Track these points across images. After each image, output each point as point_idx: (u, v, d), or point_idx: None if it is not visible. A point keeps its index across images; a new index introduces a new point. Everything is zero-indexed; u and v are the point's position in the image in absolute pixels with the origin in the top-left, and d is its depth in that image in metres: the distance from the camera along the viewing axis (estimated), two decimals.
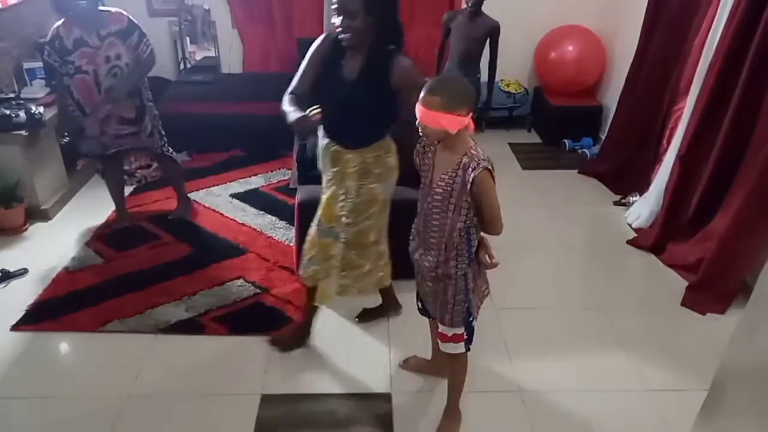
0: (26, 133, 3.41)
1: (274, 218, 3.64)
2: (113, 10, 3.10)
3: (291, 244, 3.31)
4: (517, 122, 5.23)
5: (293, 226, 3.23)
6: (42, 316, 2.77)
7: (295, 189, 3.10)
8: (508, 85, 5.10)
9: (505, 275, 3.13)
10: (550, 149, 4.90)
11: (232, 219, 3.65)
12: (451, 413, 2.23)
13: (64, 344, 2.68)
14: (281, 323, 2.76)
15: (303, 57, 4.68)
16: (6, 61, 3.89)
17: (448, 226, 1.86)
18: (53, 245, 3.36)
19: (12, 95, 3.73)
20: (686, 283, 3.08)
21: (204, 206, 3.80)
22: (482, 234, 1.93)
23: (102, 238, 3.42)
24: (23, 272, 3.08)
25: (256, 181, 4.13)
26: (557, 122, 4.92)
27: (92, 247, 3.33)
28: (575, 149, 4.79)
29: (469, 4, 3.67)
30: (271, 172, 4.25)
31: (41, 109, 3.55)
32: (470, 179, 1.74)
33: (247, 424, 2.24)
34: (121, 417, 2.26)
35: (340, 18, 2.04)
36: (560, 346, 2.71)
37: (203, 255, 3.27)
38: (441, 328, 2.06)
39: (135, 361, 2.54)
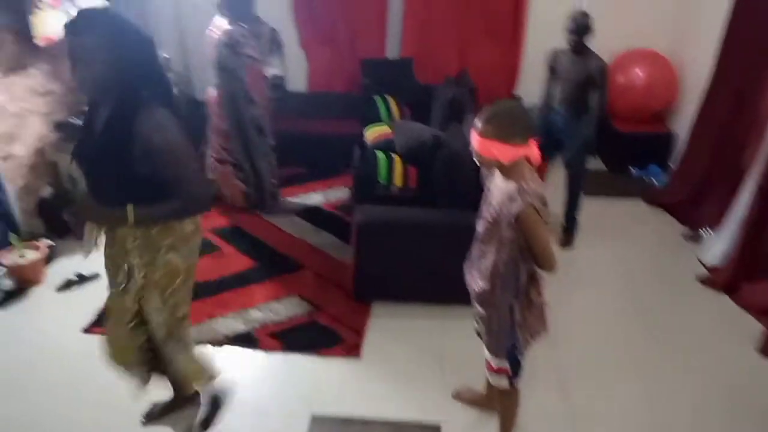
0: None
1: (331, 236, 3.70)
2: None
3: (347, 262, 3.34)
4: None
5: (350, 244, 3.27)
6: None
7: (353, 208, 3.14)
8: None
9: (561, 307, 3.07)
10: (615, 176, 4.74)
11: (291, 235, 3.73)
12: None
13: None
14: (333, 342, 2.79)
15: (366, 77, 4.79)
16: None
17: (495, 255, 1.84)
18: None
19: None
20: (763, 329, 2.88)
21: (265, 221, 3.90)
22: (537, 269, 1.88)
23: None
24: (97, 276, 3.26)
25: (316, 198, 4.21)
26: (623, 148, 4.76)
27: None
28: (642, 177, 4.62)
29: (570, 42, 3.31)
30: (331, 189, 4.32)
31: None
32: (512, 213, 1.71)
33: None
34: None
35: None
36: (620, 387, 2.59)
37: (262, 269, 3.36)
38: (486, 355, 2.03)
39: None
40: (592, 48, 3.37)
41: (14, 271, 3.14)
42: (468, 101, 4.07)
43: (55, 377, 2.58)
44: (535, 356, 2.72)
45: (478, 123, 1.73)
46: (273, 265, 3.41)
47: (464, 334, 2.81)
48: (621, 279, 3.41)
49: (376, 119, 4.19)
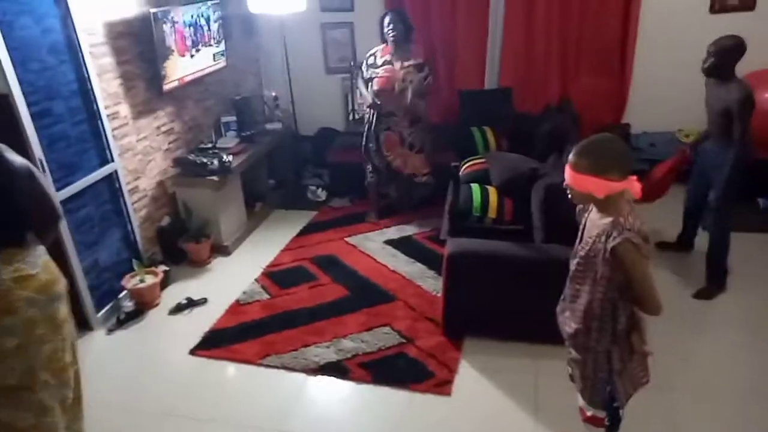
0: (217, 179, 3.92)
1: (423, 267, 3.68)
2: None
3: (438, 295, 3.29)
4: None
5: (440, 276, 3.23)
6: (215, 343, 3.09)
7: (445, 240, 3.10)
8: (687, 136, 4.61)
9: (680, 353, 2.79)
10: (738, 208, 4.27)
11: (384, 265, 3.76)
12: None
13: (230, 372, 2.93)
14: (423, 376, 2.74)
15: (465, 109, 4.78)
16: (208, 117, 4.55)
17: (589, 294, 1.73)
18: (230, 278, 3.76)
19: (210, 145, 4.34)
20: None
21: (360, 251, 3.98)
22: (638, 312, 1.73)
23: (270, 276, 3.75)
24: (204, 301, 3.49)
25: (409, 229, 4.22)
26: (749, 177, 4.29)
27: (260, 283, 3.66)
28: None
29: (705, 68, 3.06)
30: (425, 220, 4.32)
31: (231, 157, 4.06)
32: (608, 248, 1.61)
33: None
34: None
35: None
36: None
37: (355, 298, 3.41)
38: (580, 403, 1.89)
39: (287, 398, 2.70)
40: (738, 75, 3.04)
41: (135, 294, 3.45)
42: (570, 131, 3.91)
43: (162, 392, 2.77)
44: (647, 403, 2.50)
45: (572, 156, 1.66)
46: (366, 295, 3.44)
47: (558, 374, 2.65)
48: (751, 324, 3.03)
49: (472, 150, 4.15)
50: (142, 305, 3.43)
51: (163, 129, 3.99)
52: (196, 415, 2.62)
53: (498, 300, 2.83)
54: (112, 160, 3.43)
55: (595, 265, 1.68)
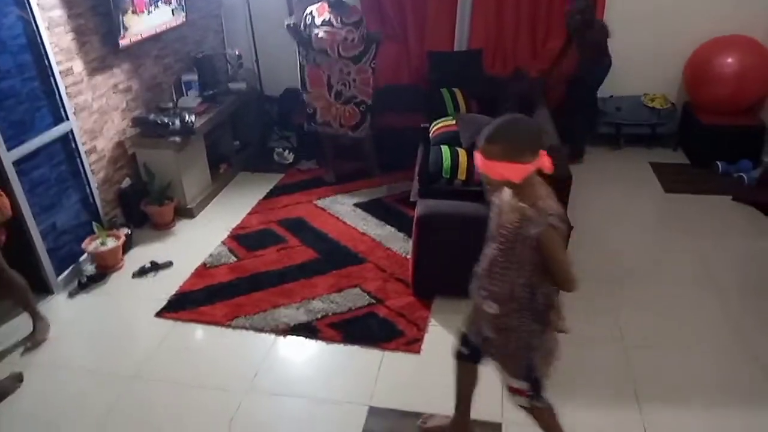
0: (179, 139, 3.79)
1: (393, 229, 3.68)
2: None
3: (408, 256, 3.31)
4: (661, 140, 4.80)
5: (410, 238, 3.24)
6: (182, 305, 3.04)
7: (416, 202, 3.09)
8: (652, 100, 4.69)
9: (638, 309, 2.90)
10: (699, 171, 4.42)
11: (354, 227, 3.74)
12: None
13: (197, 334, 2.90)
14: (392, 335, 2.76)
15: (433, 70, 4.72)
16: (168, 75, 4.37)
17: (511, 279, 1.70)
18: (195, 242, 3.68)
19: (170, 105, 4.18)
20: None
21: (329, 213, 3.94)
22: (554, 290, 1.75)
23: (237, 238, 3.69)
24: (169, 264, 3.41)
25: (379, 192, 4.20)
26: (709, 142, 4.42)
27: (227, 246, 3.60)
28: (729, 173, 4.27)
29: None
30: (395, 183, 4.30)
31: (193, 117, 3.92)
32: (533, 236, 1.58)
33: None
34: (239, 410, 2.40)
35: None
36: (700, 398, 2.40)
37: (325, 260, 3.39)
38: (505, 379, 1.89)
39: (256, 358, 2.69)
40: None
41: (96, 258, 3.34)
42: (539, 94, 3.92)
43: (129, 355, 2.72)
44: (607, 357, 2.59)
45: (483, 144, 1.59)
46: (336, 257, 3.43)
47: None
48: (705, 280, 3.16)
49: (442, 112, 4.11)
50: (104, 269, 3.34)
51: (121, 87, 3.81)
52: (165, 377, 2.59)
53: (466, 260, 2.82)
54: (67, 119, 3.27)
55: (516, 251, 1.65)
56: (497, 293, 1.75)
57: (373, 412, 2.36)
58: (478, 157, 1.61)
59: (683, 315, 2.90)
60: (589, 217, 3.69)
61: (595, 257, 3.32)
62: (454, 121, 3.70)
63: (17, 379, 2.57)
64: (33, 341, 2.79)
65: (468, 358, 2.02)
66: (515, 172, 1.56)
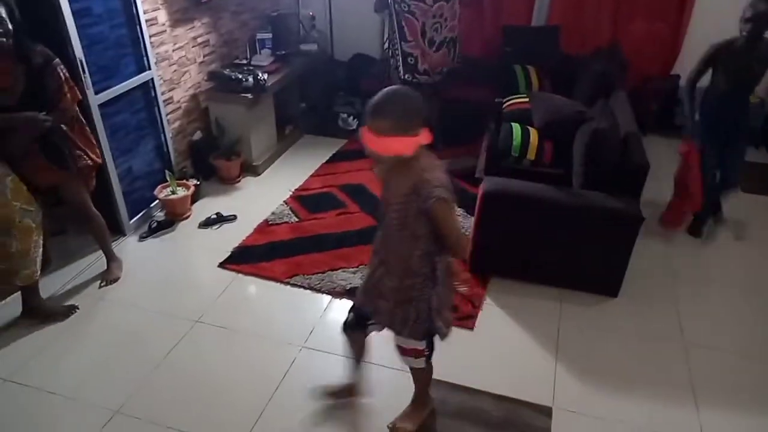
0: (251, 96, 3.85)
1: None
2: None
3: (466, 233, 3.29)
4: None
5: (470, 215, 3.22)
6: (243, 259, 3.14)
7: (480, 178, 3.05)
8: None
9: (706, 310, 2.79)
10: None
11: None
12: (420, 400, 2.20)
13: (257, 288, 2.99)
14: None
15: (507, 44, 4.58)
16: (244, 32, 4.42)
17: (407, 251, 1.71)
18: (259, 198, 3.77)
19: (244, 62, 4.24)
20: None
21: None
22: (450, 259, 1.79)
23: (298, 199, 3.76)
24: (233, 218, 3.52)
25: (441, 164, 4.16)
26: None
27: (289, 205, 3.67)
28: None
29: (746, 33, 2.97)
30: (457, 157, 4.24)
31: (266, 75, 3.97)
32: (424, 209, 1.59)
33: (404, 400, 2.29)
34: (293, 364, 2.48)
35: None
36: (758, 404, 2.31)
37: None
38: (397, 340, 1.93)
39: (312, 317, 2.76)
40: None
41: (166, 205, 3.49)
42: (618, 76, 3.76)
43: (192, 300, 2.85)
44: (665, 354, 2.53)
45: (371, 121, 1.55)
46: None
47: (581, 320, 2.69)
48: None
49: (513, 88, 4.02)
50: (173, 216, 3.48)
51: (200, 40, 3.90)
52: (224, 325, 2.70)
53: (529, 242, 2.81)
54: (149, 68, 3.37)
55: (410, 224, 1.66)
56: (396, 266, 1.77)
57: None
58: (366, 134, 1.56)
59: (754, 318, 2.79)
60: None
61: (669, 252, 3.21)
62: (527, 99, 3.61)
63: (71, 310, 2.75)
64: (107, 278, 2.96)
65: (355, 326, 2.07)
66: (407, 145, 1.55)
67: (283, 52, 4.45)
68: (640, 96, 4.37)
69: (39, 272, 2.59)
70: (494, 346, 2.59)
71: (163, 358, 2.49)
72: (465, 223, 3.39)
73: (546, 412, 2.26)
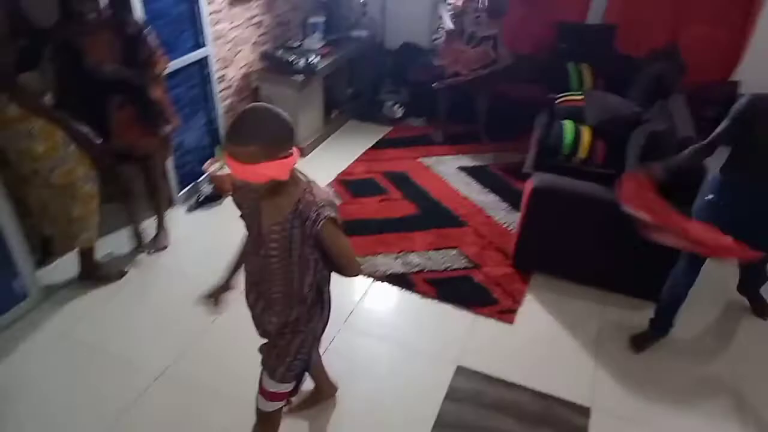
0: (301, 79, 3.89)
1: (497, 198, 3.63)
2: None
3: (509, 228, 3.27)
4: None
5: (517, 210, 3.20)
6: None
7: (528, 174, 3.02)
8: None
9: (754, 323, 2.71)
10: None
11: (456, 190, 3.73)
12: None
13: None
14: (487, 301, 2.77)
15: (562, 42, 4.50)
16: (297, 15, 4.46)
17: (296, 281, 1.53)
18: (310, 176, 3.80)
19: (296, 44, 4.28)
20: None
21: (433, 173, 3.95)
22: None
23: (342, 183, 3.79)
24: None
25: (485, 158, 4.14)
26: None
27: (333, 188, 3.71)
28: None
29: None
30: (503, 152, 4.22)
31: (317, 59, 4.00)
32: (312, 233, 1.42)
33: (439, 388, 2.32)
34: (332, 343, 2.52)
35: None
36: None
37: (425, 217, 3.43)
38: (266, 383, 1.70)
39: (351, 298, 2.79)
40: None
41: (214, 180, 3.56)
42: (676, 79, 3.66)
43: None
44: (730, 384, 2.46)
45: (237, 148, 1.31)
46: (436, 216, 3.45)
47: (623, 324, 2.65)
48: None
49: (565, 87, 3.96)
50: (221, 191, 3.55)
51: (255, 21, 3.95)
52: None
53: (575, 241, 2.78)
54: (205, 45, 3.44)
55: (294, 250, 1.47)
56: (280, 299, 1.57)
57: (461, 371, 2.40)
58: (232, 163, 1.33)
59: None
60: None
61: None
62: (580, 96, 3.55)
63: (122, 274, 2.86)
64: (156, 246, 3.05)
65: None
66: (281, 169, 1.35)
67: (334, 37, 4.48)
68: (696, 102, 4.24)
69: (96, 237, 2.68)
70: (533, 342, 2.58)
71: (211, 323, 2.55)
72: (509, 218, 3.38)
73: (584, 412, 2.24)
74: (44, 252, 2.84)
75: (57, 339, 2.49)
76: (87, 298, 2.72)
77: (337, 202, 1.49)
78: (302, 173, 1.48)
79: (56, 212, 2.50)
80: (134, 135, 2.69)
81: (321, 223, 1.40)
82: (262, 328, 1.70)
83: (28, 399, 2.22)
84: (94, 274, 2.80)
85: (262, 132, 1.31)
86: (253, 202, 1.49)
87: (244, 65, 3.94)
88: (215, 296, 1.78)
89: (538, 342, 2.59)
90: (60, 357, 2.41)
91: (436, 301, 2.79)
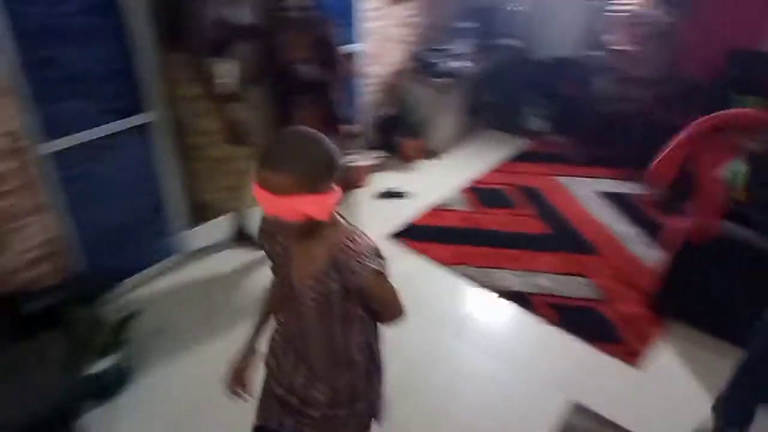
0: (445, 82, 3.90)
1: (636, 230, 3.38)
2: None
3: (647, 265, 3.03)
4: None
5: (657, 246, 2.96)
6: (412, 235, 3.23)
7: (676, 209, 2.76)
8: None
9: None
10: None
11: (592, 215, 3.53)
12: None
13: (420, 266, 3.04)
14: (612, 339, 2.59)
15: (730, 69, 4.07)
16: (448, 19, 4.47)
17: (340, 341, 1.30)
18: (435, 182, 3.84)
19: (444, 48, 4.29)
20: None
21: (569, 193, 3.77)
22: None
23: (473, 190, 3.75)
24: (407, 195, 3.62)
25: (629, 186, 3.87)
26: None
27: (463, 195, 3.68)
28: None
29: None
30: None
31: (463, 63, 3.99)
32: (355, 287, 1.20)
33: (546, 420, 2.20)
34: (440, 348, 2.49)
35: None
36: None
37: (554, 238, 3.28)
38: None
39: (468, 308, 2.75)
40: None
41: (348, 171, 3.68)
42: None
43: None
44: None
45: (268, 174, 1.10)
46: (566, 239, 3.29)
47: None
48: None
49: None
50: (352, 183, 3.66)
51: (409, 21, 4.02)
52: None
53: (728, 293, 2.49)
54: (359, 41, 3.56)
55: (336, 307, 1.25)
56: (325, 365, 1.33)
57: (578, 408, 2.25)
58: (261, 194, 1.11)
59: None
60: None
61: None
62: None
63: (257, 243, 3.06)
64: None
65: None
66: (319, 206, 1.13)
67: (483, 44, 4.43)
68: None
69: (246, 207, 2.96)
70: (659, 392, 2.36)
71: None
72: (648, 253, 3.12)
73: None
74: (197, 215, 3.13)
75: (198, 292, 2.75)
76: (228, 259, 2.97)
77: (384, 257, 1.25)
78: (345, 218, 1.26)
79: (214, 181, 2.76)
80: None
81: (366, 277, 1.18)
82: (302, 402, 1.37)
83: (168, 336, 2.49)
84: (242, 237, 3.06)
85: (301, 158, 1.09)
86: (283, 246, 1.27)
87: (392, 63, 4.03)
88: (239, 375, 1.46)
89: (665, 393, 2.36)
90: (198, 308, 2.66)
91: (555, 327, 2.66)
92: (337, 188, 1.15)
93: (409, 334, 2.55)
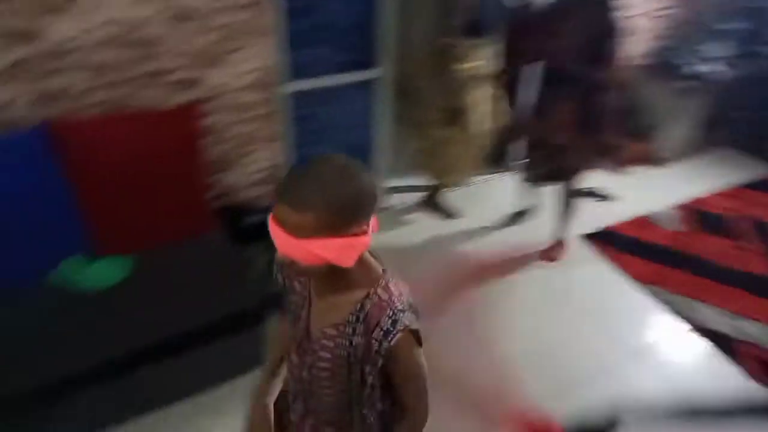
0: (686, 86, 3.47)
1: None
2: None
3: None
4: None
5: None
6: (608, 241, 3.01)
7: None
8: None
9: None
10: None
11: None
12: None
13: (610, 276, 2.81)
14: None
15: None
16: (709, 17, 3.91)
17: (354, 402, 1.07)
18: (649, 190, 3.48)
19: (696, 48, 3.79)
20: None
21: None
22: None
23: (692, 210, 3.32)
24: (612, 198, 3.35)
25: None
26: None
27: (679, 211, 3.28)
28: None
29: None
30: None
31: (714, 68, 3.51)
32: (381, 349, 0.98)
33: None
34: (611, 367, 2.30)
35: None
36: None
37: None
38: None
39: (655, 334, 2.49)
40: None
41: None
42: None
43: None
44: None
45: (286, 212, 0.89)
46: None
47: None
48: None
49: None
50: None
51: (661, 14, 3.63)
52: (561, 287, 2.70)
53: None
54: None
55: (354, 364, 1.02)
56: (335, 421, 1.12)
57: None
58: (276, 231, 0.91)
59: None
60: None
61: None
62: None
63: (451, 214, 3.17)
64: (546, 255, 2.92)
65: None
66: (344, 251, 0.92)
67: (749, 50, 3.80)
68: None
69: (460, 183, 3.12)
70: None
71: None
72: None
73: None
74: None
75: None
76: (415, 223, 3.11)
77: (419, 312, 1.03)
78: (377, 258, 1.06)
79: (428, 159, 2.93)
80: (566, 136, 2.37)
81: (397, 336, 0.98)
82: None
83: None
84: (433, 204, 3.18)
85: (329, 197, 0.89)
86: (302, 284, 1.09)
87: (631, 57, 3.69)
88: None
89: None
90: None
91: (759, 385, 2.26)
92: (370, 228, 0.96)
93: (580, 338, 2.42)
